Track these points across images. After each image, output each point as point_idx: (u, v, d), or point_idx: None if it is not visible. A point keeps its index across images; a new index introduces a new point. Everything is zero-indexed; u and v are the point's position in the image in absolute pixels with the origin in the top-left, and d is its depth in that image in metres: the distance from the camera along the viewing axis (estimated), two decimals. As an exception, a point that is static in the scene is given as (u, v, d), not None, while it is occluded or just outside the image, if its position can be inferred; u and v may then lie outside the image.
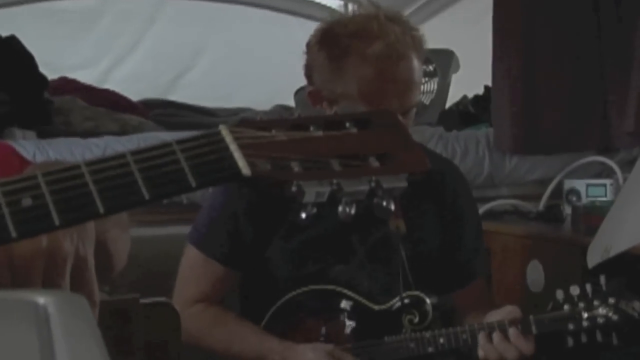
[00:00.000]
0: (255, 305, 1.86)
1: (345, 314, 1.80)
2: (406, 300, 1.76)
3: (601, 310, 1.65)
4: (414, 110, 1.80)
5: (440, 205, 1.90)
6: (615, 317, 1.64)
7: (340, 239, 1.83)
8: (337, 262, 1.82)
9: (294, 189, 0.76)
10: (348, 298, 1.80)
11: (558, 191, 2.73)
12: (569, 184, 2.70)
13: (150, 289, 1.57)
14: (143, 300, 1.29)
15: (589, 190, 2.65)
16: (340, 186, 0.77)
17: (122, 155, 0.75)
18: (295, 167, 0.77)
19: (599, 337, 1.66)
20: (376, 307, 1.79)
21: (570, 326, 1.67)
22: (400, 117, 1.64)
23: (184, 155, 0.75)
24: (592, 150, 2.80)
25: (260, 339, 1.76)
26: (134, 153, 0.75)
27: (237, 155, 0.75)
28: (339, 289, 1.80)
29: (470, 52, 3.15)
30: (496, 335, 1.66)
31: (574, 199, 2.65)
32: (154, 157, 0.75)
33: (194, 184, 0.74)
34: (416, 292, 1.77)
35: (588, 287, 1.67)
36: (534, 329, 1.67)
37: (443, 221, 1.90)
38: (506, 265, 2.52)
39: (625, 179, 2.60)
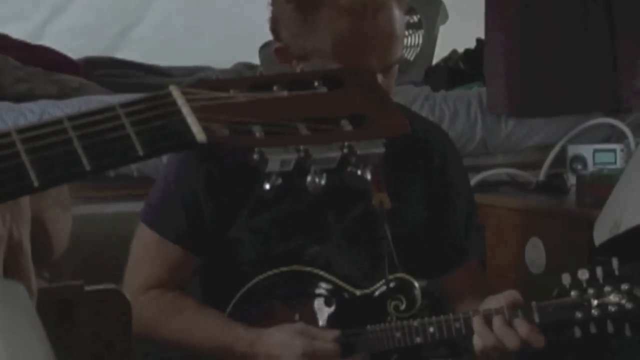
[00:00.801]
0: (219, 292, 1.87)
1: (322, 299, 1.82)
2: (392, 284, 1.76)
3: (613, 298, 1.66)
4: (396, 67, 1.81)
5: (427, 176, 1.91)
6: (629, 306, 1.65)
7: (314, 216, 1.84)
8: (311, 242, 1.84)
9: (255, 156, 0.76)
10: (325, 281, 1.82)
11: (561, 158, 2.73)
12: (573, 149, 2.71)
13: (97, 275, 1.61)
14: (88, 288, 1.32)
15: (596, 156, 2.66)
16: (308, 153, 0.77)
17: (59, 121, 0.75)
18: (257, 132, 0.77)
19: (610, 327, 1.67)
20: (357, 292, 1.80)
21: (578, 315, 1.67)
22: (380, 76, 1.71)
23: (130, 120, 0.76)
24: (599, 111, 2.80)
25: (224, 328, 1.78)
26: (73, 118, 0.75)
27: (190, 120, 0.76)
28: (314, 270, 1.81)
29: (460, -1, 3.14)
30: (497, 320, 1.67)
31: (579, 167, 2.66)
32: (95, 123, 0.75)
33: (141, 153, 0.74)
34: (403, 275, 1.78)
35: (598, 271, 1.68)
36: (536, 318, 1.68)
37: (430, 194, 1.92)
38: (502, 243, 2.52)
39: (637, 144, 2.61)
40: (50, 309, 1.20)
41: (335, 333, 1.74)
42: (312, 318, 1.81)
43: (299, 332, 1.73)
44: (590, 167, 2.64)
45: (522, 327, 1.67)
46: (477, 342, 1.70)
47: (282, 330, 1.74)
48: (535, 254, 2.42)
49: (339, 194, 1.78)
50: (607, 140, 2.78)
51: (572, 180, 2.62)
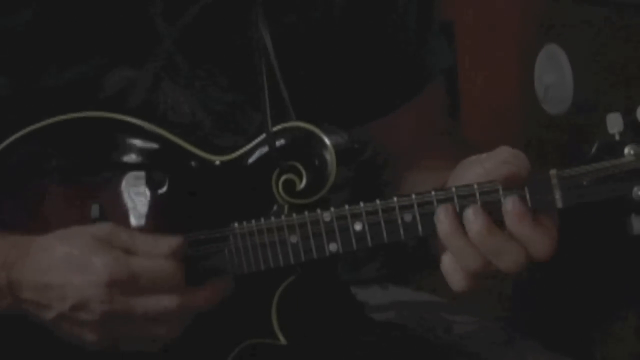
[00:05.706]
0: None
1: (143, 175, 1.80)
2: (280, 142, 1.73)
3: None
4: None
5: None
6: None
7: (120, 8, 1.82)
8: (118, 62, 1.83)
9: None
10: (148, 139, 1.80)
11: None
12: None
13: None
14: None
15: None
16: None
17: None
18: None
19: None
20: (215, 159, 1.77)
21: (638, 190, 1.63)
22: None
23: None
24: None
25: None
26: None
27: None
28: (126, 118, 1.80)
29: None
30: (472, 211, 1.62)
31: None
32: None
33: None
34: (301, 123, 1.75)
35: None
36: (558, 198, 1.62)
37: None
38: (491, 57, 2.59)
39: None
40: None
41: (173, 242, 1.69)
42: (124, 212, 1.78)
43: (103, 240, 1.69)
44: None
45: (513, 208, 1.63)
46: (447, 258, 1.66)
47: (70, 238, 1.70)
48: (553, 76, 2.40)
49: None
50: None
51: None
